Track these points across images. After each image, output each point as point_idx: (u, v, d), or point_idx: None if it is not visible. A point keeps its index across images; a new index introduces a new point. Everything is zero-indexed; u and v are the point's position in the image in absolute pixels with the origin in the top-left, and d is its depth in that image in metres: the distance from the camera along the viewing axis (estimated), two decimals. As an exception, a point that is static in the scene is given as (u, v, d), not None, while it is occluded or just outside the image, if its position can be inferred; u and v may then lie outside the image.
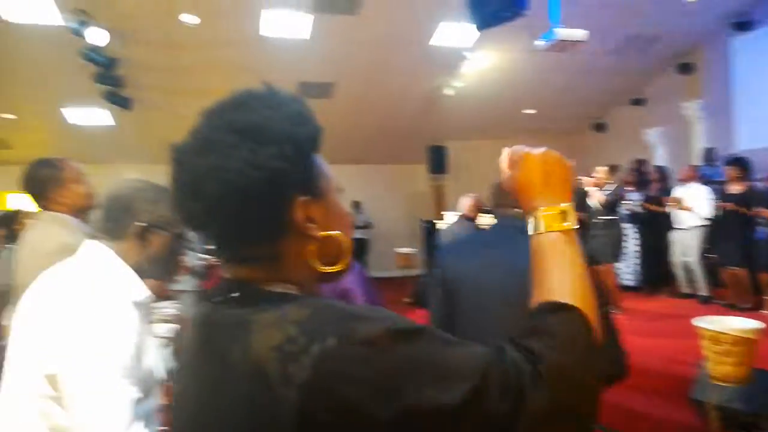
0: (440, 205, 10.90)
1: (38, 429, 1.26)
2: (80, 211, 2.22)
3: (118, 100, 7.05)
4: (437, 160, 10.55)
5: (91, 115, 8.53)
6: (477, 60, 7.56)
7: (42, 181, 2.16)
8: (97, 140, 9.29)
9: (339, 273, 0.77)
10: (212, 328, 0.71)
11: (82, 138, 9.21)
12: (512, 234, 1.79)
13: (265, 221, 0.70)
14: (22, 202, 10.04)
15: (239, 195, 0.67)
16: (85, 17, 5.62)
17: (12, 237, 4.46)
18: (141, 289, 1.37)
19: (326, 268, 0.73)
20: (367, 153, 10.86)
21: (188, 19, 5.93)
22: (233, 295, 0.72)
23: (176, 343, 1.63)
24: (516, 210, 1.91)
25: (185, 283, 4.18)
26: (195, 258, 4.44)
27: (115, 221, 1.39)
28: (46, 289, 1.33)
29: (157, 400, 1.44)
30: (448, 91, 8.32)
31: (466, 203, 5.24)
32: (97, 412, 1.20)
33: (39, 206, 2.21)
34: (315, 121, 0.74)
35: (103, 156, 9.55)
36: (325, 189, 0.75)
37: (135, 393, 1.24)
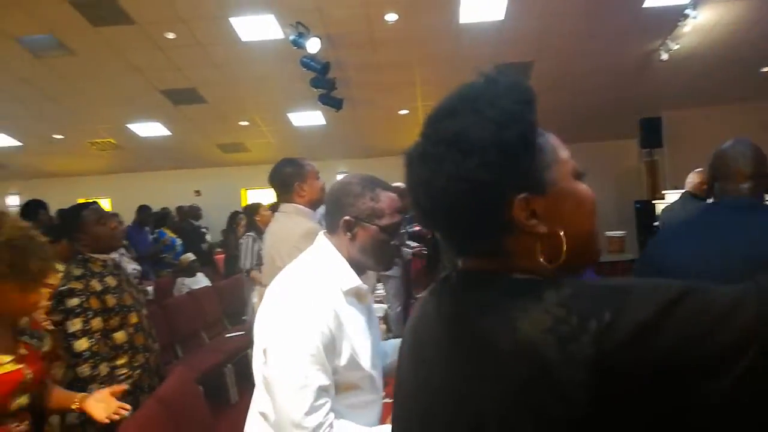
0: (654, 182, 9.86)
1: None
2: (316, 204, 2.49)
3: (329, 101, 7.70)
4: (650, 133, 9.53)
5: (308, 117, 9.50)
6: (700, 17, 6.61)
7: (286, 177, 2.47)
8: (312, 139, 10.33)
9: (569, 269, 0.70)
10: (463, 318, 0.72)
11: (301, 138, 10.32)
12: (741, 215, 1.57)
13: (480, 225, 0.70)
14: (260, 196, 11.61)
15: (447, 207, 0.70)
16: (302, 29, 6.25)
17: (252, 227, 5.18)
18: (352, 279, 1.43)
19: (549, 264, 0.69)
20: (571, 131, 10.17)
21: (390, 17, 6.21)
22: (477, 283, 0.73)
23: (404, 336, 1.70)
24: (744, 186, 1.63)
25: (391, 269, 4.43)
26: (401, 246, 4.66)
27: (330, 216, 1.49)
28: (282, 275, 1.48)
29: (371, 394, 1.44)
30: (663, 56, 7.44)
31: (693, 179, 4.64)
32: (280, 389, 1.29)
33: (283, 199, 2.52)
34: (528, 114, 0.70)
35: (316, 153, 10.61)
36: (552, 180, 0.71)
37: (323, 381, 1.28)
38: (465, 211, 0.69)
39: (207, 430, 2.50)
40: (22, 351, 1.62)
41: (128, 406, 1.82)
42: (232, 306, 5.68)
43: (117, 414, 1.81)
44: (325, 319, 1.31)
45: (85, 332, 2.31)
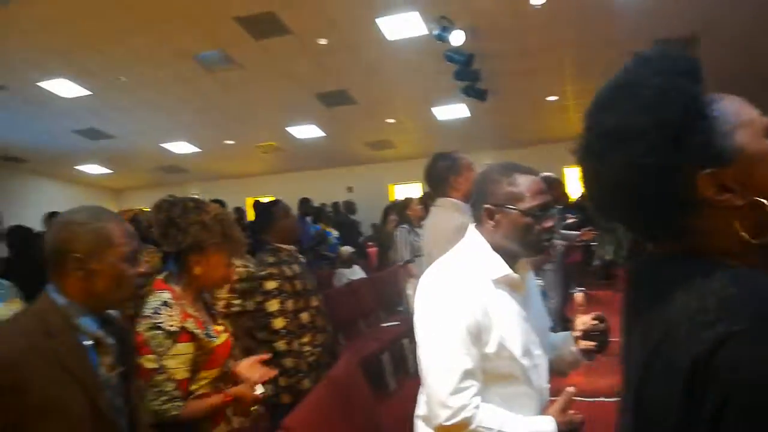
0: None
1: None
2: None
3: (474, 92, 7.64)
4: None
5: (451, 111, 9.51)
6: None
7: (441, 172, 2.50)
8: (456, 132, 10.32)
9: None
10: (642, 289, 0.75)
11: (445, 132, 10.37)
12: None
13: (662, 210, 0.67)
14: (407, 191, 11.87)
15: (623, 198, 0.68)
16: (447, 23, 6.27)
17: (403, 221, 5.33)
18: (501, 268, 1.42)
19: (755, 239, 0.63)
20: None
21: (536, 1, 5.98)
22: (660, 267, 0.72)
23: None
24: None
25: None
26: (557, 235, 4.48)
27: (474, 207, 1.50)
28: (432, 267, 1.52)
29: (526, 386, 1.42)
30: None
31: None
32: (429, 370, 1.37)
33: (439, 194, 2.56)
34: (688, 86, 0.65)
35: (461, 146, 10.55)
36: (738, 146, 0.64)
37: (468, 364, 1.31)
38: (643, 199, 0.67)
39: (370, 413, 2.64)
40: (220, 323, 1.85)
41: (274, 371, 1.94)
42: (387, 296, 5.91)
43: (266, 376, 1.89)
44: (471, 307, 1.34)
45: (281, 312, 2.65)
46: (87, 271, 1.22)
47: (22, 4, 5.78)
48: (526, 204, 1.41)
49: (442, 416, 1.32)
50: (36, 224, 5.36)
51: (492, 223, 1.44)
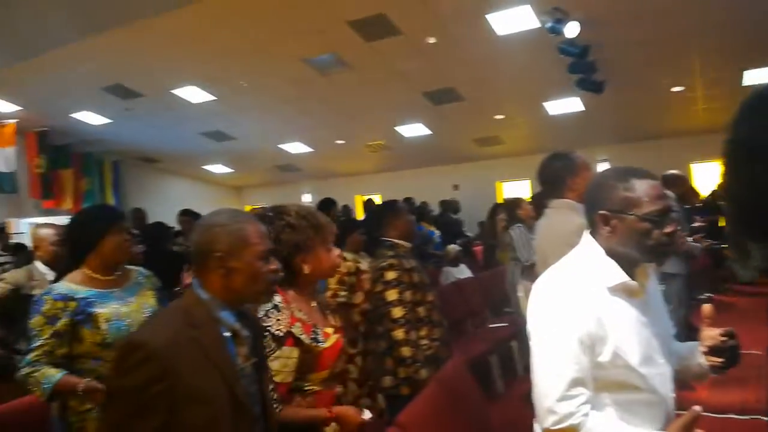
0: None
1: None
2: None
3: (589, 85, 7.28)
4: None
5: (564, 105, 9.13)
6: None
7: (557, 172, 2.42)
8: (569, 127, 9.89)
9: None
10: None
11: (557, 127, 9.98)
12: None
13: None
14: (515, 188, 11.58)
15: (749, 211, 0.67)
16: (560, 14, 6.03)
17: (513, 221, 5.20)
18: (617, 276, 1.38)
19: None
20: None
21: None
22: None
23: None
24: None
25: (673, 266, 3.97)
26: (688, 239, 4.17)
27: (588, 213, 1.48)
28: (546, 273, 1.50)
29: (648, 394, 1.37)
30: None
31: None
32: (538, 376, 1.37)
33: (554, 195, 2.47)
34: None
35: (574, 141, 10.11)
36: None
37: (576, 373, 1.32)
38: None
39: (480, 415, 2.62)
40: (334, 323, 1.91)
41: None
42: (494, 297, 5.82)
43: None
44: (584, 317, 1.33)
45: (400, 302, 2.74)
46: (227, 269, 1.32)
47: (159, 18, 6.38)
48: (645, 209, 1.36)
49: (549, 421, 1.33)
50: (166, 218, 5.88)
51: (608, 229, 1.41)
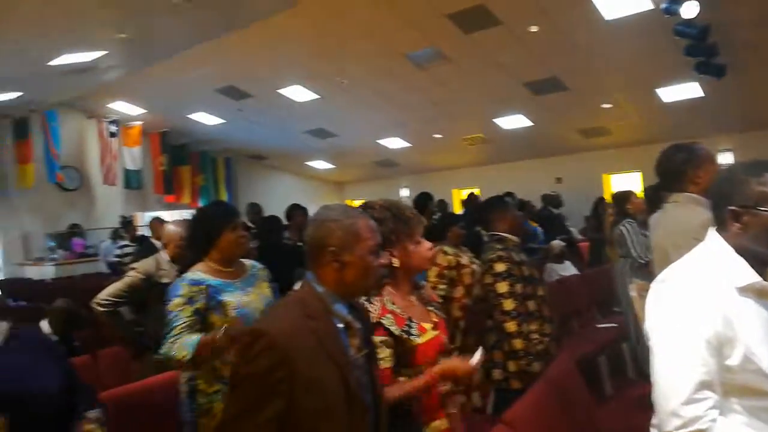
0: None
1: None
2: None
3: (709, 69, 6.70)
4: None
5: (680, 91, 8.47)
6: None
7: (679, 164, 2.27)
8: (684, 114, 9.16)
9: None
10: None
11: (671, 115, 9.29)
12: None
13: None
14: (623, 181, 10.97)
15: None
16: (678, -6, 5.61)
17: (622, 215, 4.93)
18: (748, 275, 1.30)
19: None
20: None
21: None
22: None
23: None
24: None
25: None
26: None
27: (716, 209, 1.39)
28: (668, 271, 1.43)
29: None
30: None
31: None
32: (661, 379, 1.30)
33: (675, 188, 2.31)
34: None
35: (690, 130, 9.35)
36: None
37: (704, 376, 1.25)
38: None
39: (589, 417, 2.53)
40: (435, 319, 1.89)
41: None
42: (601, 295, 5.55)
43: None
44: (712, 317, 1.26)
45: (511, 294, 2.73)
46: (340, 263, 1.36)
47: (266, 22, 6.72)
48: None
49: (672, 425, 1.26)
50: (272, 212, 6.13)
51: (738, 225, 1.33)
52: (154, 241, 5.50)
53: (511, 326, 2.69)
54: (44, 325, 3.42)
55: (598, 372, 4.29)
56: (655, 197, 4.79)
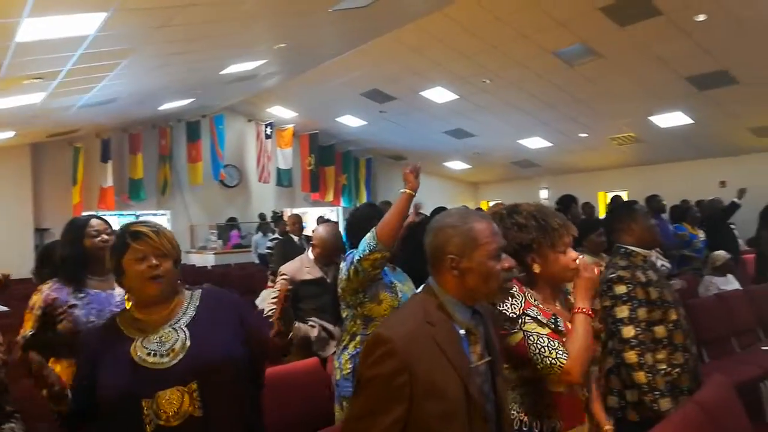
0: None
1: None
2: None
3: None
4: None
5: None
6: None
7: None
8: None
9: None
10: None
11: None
12: None
13: None
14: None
15: None
16: None
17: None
18: None
19: None
20: None
21: None
22: None
23: None
24: None
25: None
26: None
27: None
28: None
29: None
30: None
31: None
32: None
33: None
34: None
35: None
36: None
37: None
38: None
39: (749, 448, 2.27)
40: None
41: None
42: (769, 315, 4.90)
43: None
44: None
45: (631, 320, 2.40)
46: (460, 270, 1.35)
47: (409, 26, 6.89)
48: None
49: None
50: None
51: None
52: (292, 235, 5.93)
53: (631, 357, 2.35)
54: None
55: (760, 398, 3.80)
56: None
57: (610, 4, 5.96)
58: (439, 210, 5.43)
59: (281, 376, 2.81)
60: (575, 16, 6.38)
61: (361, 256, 2.19)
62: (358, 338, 2.32)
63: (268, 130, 12.32)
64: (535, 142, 11.62)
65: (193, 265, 10.75)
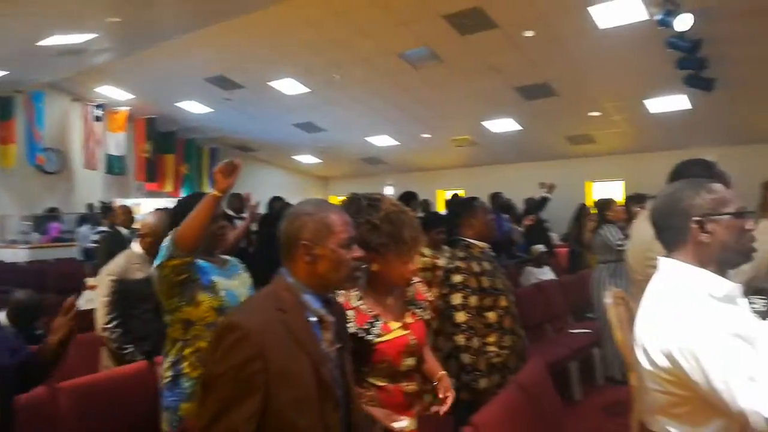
0: None
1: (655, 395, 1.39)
2: None
3: (699, 82, 6.77)
4: None
5: (668, 103, 8.55)
6: None
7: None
8: (671, 126, 9.25)
9: None
10: None
11: (658, 126, 9.38)
12: None
13: None
14: (605, 189, 11.02)
15: None
16: (671, 6, 5.64)
17: (604, 222, 4.97)
18: (722, 284, 1.33)
19: None
20: None
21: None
22: None
23: None
24: None
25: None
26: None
27: (672, 229, 1.40)
28: (653, 284, 1.43)
29: None
30: None
31: None
32: (731, 391, 1.19)
33: None
34: None
35: (677, 141, 9.46)
36: None
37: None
38: None
39: (557, 422, 2.54)
40: (409, 319, 1.87)
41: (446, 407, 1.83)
42: (577, 301, 5.58)
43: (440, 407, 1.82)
44: (737, 321, 1.26)
45: (464, 306, 2.63)
46: (312, 256, 1.36)
47: (260, 12, 6.65)
48: (733, 206, 1.35)
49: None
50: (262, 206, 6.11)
51: (705, 236, 1.34)
52: (121, 228, 5.42)
53: (460, 339, 2.60)
54: (1, 317, 3.32)
55: (569, 377, 4.32)
56: (634, 206, 4.86)
57: (453, 12, 6.32)
58: (276, 199, 5.34)
59: (102, 383, 2.54)
60: (421, 21, 6.66)
61: (161, 262, 2.01)
62: (179, 344, 2.10)
63: (98, 112, 11.12)
64: (383, 140, 11.99)
65: (1, 262, 9.34)
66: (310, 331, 1.35)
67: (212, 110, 10.95)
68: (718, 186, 1.39)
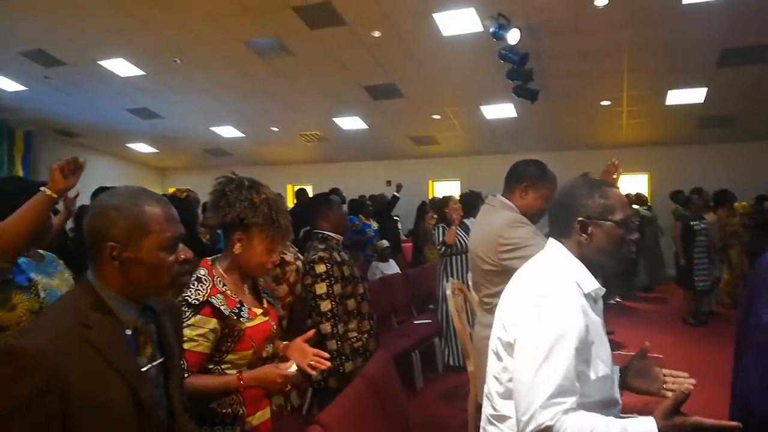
0: None
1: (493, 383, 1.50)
2: (535, 216, 2.34)
3: (525, 92, 7.47)
4: None
5: (499, 110, 9.35)
6: None
7: (524, 176, 2.35)
8: (503, 132, 10.15)
9: None
10: None
11: (491, 131, 10.21)
12: None
13: None
14: (445, 188, 11.68)
15: None
16: (503, 20, 6.14)
17: (443, 218, 5.27)
18: (591, 282, 1.42)
19: None
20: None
21: (600, 2, 5.80)
22: None
23: None
24: None
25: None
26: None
27: (560, 221, 1.49)
28: (522, 276, 1.51)
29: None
30: None
31: None
32: (528, 376, 1.27)
33: (505, 194, 2.40)
34: None
35: (506, 145, 10.41)
36: None
37: (566, 381, 1.26)
38: None
39: (400, 411, 2.61)
40: (266, 305, 1.84)
41: (326, 354, 1.83)
42: (420, 294, 5.86)
43: (316, 362, 1.80)
44: (578, 322, 1.31)
45: (328, 295, 2.72)
46: (122, 260, 1.13)
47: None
48: (619, 215, 1.42)
49: (528, 428, 1.24)
50: (83, 196, 5.48)
51: (584, 236, 1.44)
52: None
53: (326, 327, 2.70)
54: None
55: (411, 367, 4.51)
56: (471, 202, 5.22)
57: (302, 5, 6.22)
58: (102, 190, 4.80)
59: None
60: (269, 11, 6.46)
61: None
62: None
63: None
64: (228, 131, 11.47)
65: None
66: (124, 346, 1.13)
67: (27, 88, 9.54)
68: (614, 192, 1.46)
